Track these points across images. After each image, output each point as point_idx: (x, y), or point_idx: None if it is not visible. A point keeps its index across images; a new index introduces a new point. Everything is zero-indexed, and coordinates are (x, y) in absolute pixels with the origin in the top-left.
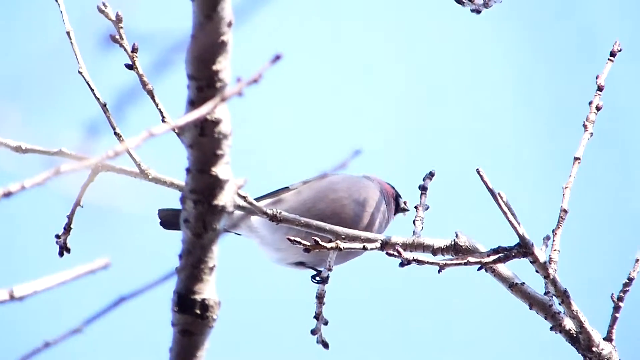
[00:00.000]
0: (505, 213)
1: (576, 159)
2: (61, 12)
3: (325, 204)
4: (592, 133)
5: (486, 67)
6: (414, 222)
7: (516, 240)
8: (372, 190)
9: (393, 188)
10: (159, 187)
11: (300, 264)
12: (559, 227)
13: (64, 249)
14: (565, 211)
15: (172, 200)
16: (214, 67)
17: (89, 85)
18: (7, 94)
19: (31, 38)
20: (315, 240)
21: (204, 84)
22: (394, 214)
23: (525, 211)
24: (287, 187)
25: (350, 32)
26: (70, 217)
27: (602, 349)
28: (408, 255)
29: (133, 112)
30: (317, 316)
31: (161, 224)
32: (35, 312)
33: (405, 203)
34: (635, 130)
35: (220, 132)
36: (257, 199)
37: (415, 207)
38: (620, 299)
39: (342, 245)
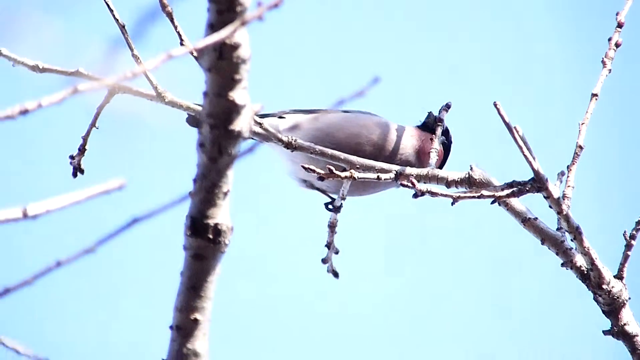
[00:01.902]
0: (520, 147)
1: (593, 95)
2: None
3: (344, 135)
4: (610, 70)
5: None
6: (428, 153)
7: (530, 175)
8: (403, 134)
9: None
10: (176, 110)
11: (314, 186)
12: (573, 163)
13: (78, 169)
14: (580, 147)
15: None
16: None
17: (108, 5)
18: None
19: None
20: (329, 168)
21: (224, 7)
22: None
23: (540, 146)
24: (325, 110)
25: None
26: (85, 138)
27: (613, 287)
28: (422, 186)
29: (152, 35)
30: (329, 245)
31: (187, 120)
32: (49, 231)
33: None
34: None
35: (239, 56)
36: (295, 112)
37: (431, 139)
38: (632, 237)
39: (356, 174)
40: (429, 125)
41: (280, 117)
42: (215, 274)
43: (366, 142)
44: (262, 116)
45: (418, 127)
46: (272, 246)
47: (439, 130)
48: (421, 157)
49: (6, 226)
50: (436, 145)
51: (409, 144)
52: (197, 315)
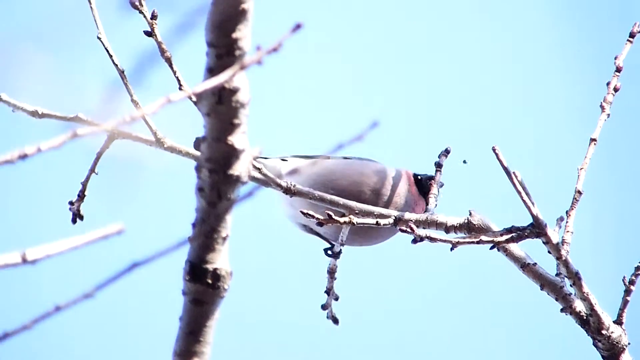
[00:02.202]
0: (519, 192)
1: (592, 140)
2: None
3: (347, 183)
4: (609, 114)
5: (506, 43)
6: (427, 199)
7: (530, 220)
8: (398, 185)
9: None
10: (175, 155)
11: (313, 231)
12: (572, 209)
13: (77, 215)
14: (579, 192)
15: (187, 169)
16: (234, 35)
17: (107, 51)
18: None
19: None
20: (328, 214)
21: (223, 52)
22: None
23: (539, 192)
24: (327, 156)
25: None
26: (84, 184)
27: (612, 332)
28: (421, 232)
29: (151, 79)
30: (328, 291)
31: (195, 146)
32: (48, 276)
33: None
34: None
35: (237, 100)
36: (295, 157)
37: (430, 184)
38: (632, 282)
39: (355, 219)
40: (424, 182)
41: (283, 160)
42: (215, 319)
43: (367, 190)
44: (264, 159)
45: (415, 175)
46: (272, 291)
47: (438, 176)
48: (414, 208)
49: (6, 271)
50: (435, 190)
51: (404, 192)
52: None
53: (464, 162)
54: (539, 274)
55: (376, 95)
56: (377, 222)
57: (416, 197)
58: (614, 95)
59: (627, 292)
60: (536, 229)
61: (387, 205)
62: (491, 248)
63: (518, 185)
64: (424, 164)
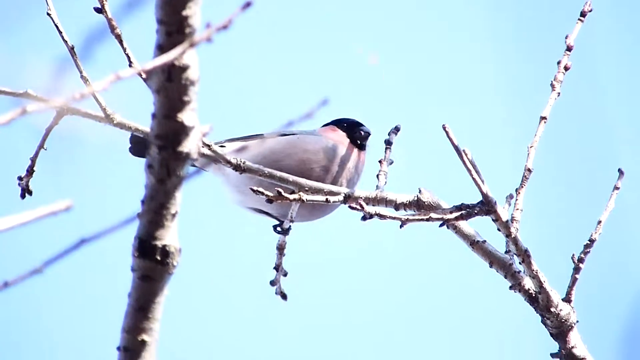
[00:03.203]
0: (469, 170)
1: (542, 118)
2: None
3: (294, 162)
4: (559, 93)
5: (456, 23)
6: (377, 176)
7: (479, 198)
8: (343, 154)
9: (362, 134)
10: (124, 132)
11: (263, 211)
12: (522, 187)
13: (26, 191)
14: (529, 170)
15: None
16: (184, 12)
17: (57, 27)
18: None
19: None
20: (278, 191)
21: (173, 29)
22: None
23: (489, 170)
24: (261, 135)
25: None
26: (33, 160)
27: (561, 310)
28: (370, 209)
29: (100, 56)
30: (277, 267)
31: (130, 150)
32: None
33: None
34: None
35: (187, 78)
36: (230, 140)
37: (380, 162)
38: (580, 260)
39: (305, 197)
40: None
41: (221, 146)
42: (163, 296)
43: (315, 166)
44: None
45: (340, 125)
46: (220, 268)
47: (388, 153)
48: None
49: None
50: (385, 168)
51: (353, 166)
52: (145, 337)
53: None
54: (488, 252)
55: (326, 72)
56: (326, 199)
57: (359, 155)
58: (564, 74)
59: (576, 270)
60: (486, 206)
61: (338, 176)
62: (440, 225)
63: (468, 163)
64: (374, 142)
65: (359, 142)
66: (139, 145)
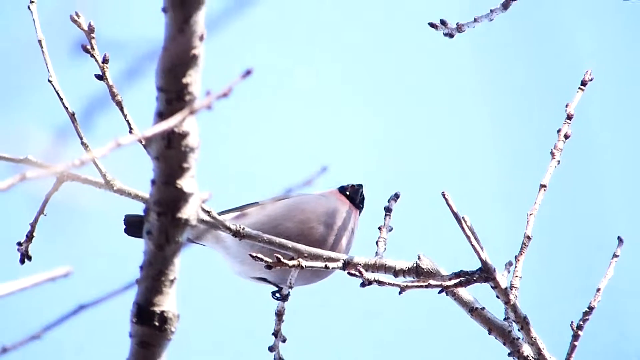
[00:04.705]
0: (468, 237)
1: (542, 186)
2: (33, 19)
3: (293, 224)
4: (559, 161)
5: (456, 91)
6: (377, 243)
7: (478, 264)
8: (341, 211)
9: (353, 188)
10: (124, 198)
11: (263, 279)
12: (521, 254)
13: (25, 256)
14: (528, 238)
15: (137, 211)
16: (184, 80)
17: (58, 94)
18: None
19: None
20: (277, 257)
21: (173, 97)
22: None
23: (488, 236)
24: (256, 203)
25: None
26: (33, 225)
27: None
28: (370, 275)
29: (101, 123)
30: (276, 333)
31: (126, 230)
32: None
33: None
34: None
35: (187, 145)
36: (225, 212)
37: (379, 229)
38: (579, 327)
39: (304, 263)
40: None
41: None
42: None
43: (315, 224)
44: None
45: (341, 191)
46: (219, 334)
47: (387, 220)
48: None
49: None
50: (384, 234)
51: (350, 220)
52: None
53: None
54: (487, 318)
55: (325, 139)
56: (326, 265)
57: (355, 214)
58: (564, 142)
59: (575, 337)
60: (485, 273)
61: (338, 235)
62: (440, 292)
63: (467, 230)
64: (374, 209)
65: (348, 194)
66: (133, 225)
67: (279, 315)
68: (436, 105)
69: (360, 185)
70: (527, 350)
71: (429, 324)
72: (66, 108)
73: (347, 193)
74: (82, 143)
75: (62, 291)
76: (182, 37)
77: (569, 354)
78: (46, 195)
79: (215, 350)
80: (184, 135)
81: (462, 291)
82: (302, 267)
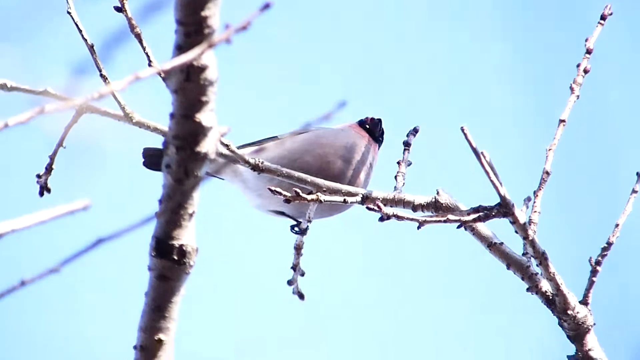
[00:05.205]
0: (487, 172)
1: (561, 121)
2: None
3: (312, 158)
4: (578, 96)
5: (475, 25)
6: (395, 177)
7: (497, 200)
8: (359, 145)
9: (372, 121)
10: (143, 131)
11: (281, 213)
12: (540, 189)
13: (44, 188)
14: (547, 173)
15: (155, 145)
16: (203, 13)
17: (77, 26)
18: None
19: None
20: (295, 191)
21: (192, 30)
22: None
23: (507, 171)
24: (275, 137)
25: None
26: (52, 158)
27: (578, 312)
28: (388, 210)
29: (120, 55)
30: (295, 267)
31: (144, 163)
32: (13, 251)
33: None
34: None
35: (206, 78)
36: (243, 147)
37: (398, 163)
38: (598, 263)
39: (322, 197)
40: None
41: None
42: (180, 295)
43: (333, 159)
44: None
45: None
46: (237, 268)
47: (406, 155)
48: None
49: None
50: (403, 169)
51: (369, 152)
52: (162, 336)
53: None
54: (506, 253)
55: (344, 73)
56: (344, 199)
57: (374, 148)
58: (583, 77)
59: (593, 272)
60: (503, 208)
61: (357, 169)
62: (458, 227)
63: (486, 165)
64: (393, 143)
65: (367, 127)
66: (152, 158)
67: (298, 249)
68: (455, 40)
69: (379, 119)
70: (545, 285)
71: (447, 259)
72: (85, 40)
73: (367, 126)
74: (101, 75)
75: (81, 224)
76: None
77: (587, 290)
78: (65, 128)
79: (234, 284)
80: (202, 69)
81: (481, 226)
82: (320, 201)
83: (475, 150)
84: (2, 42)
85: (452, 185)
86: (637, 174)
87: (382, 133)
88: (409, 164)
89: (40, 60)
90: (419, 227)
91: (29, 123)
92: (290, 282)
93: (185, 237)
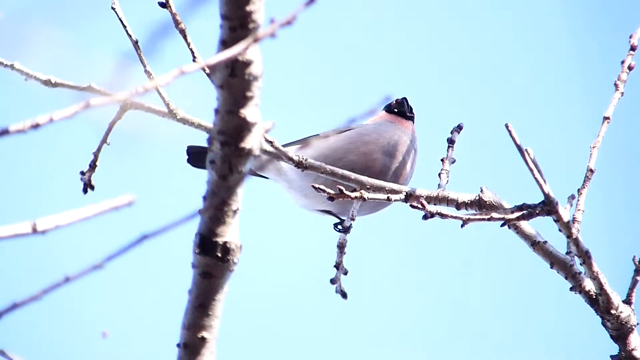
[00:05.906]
0: (531, 170)
1: (605, 118)
2: None
3: (356, 156)
4: (622, 93)
5: (518, 23)
6: (439, 175)
7: (541, 198)
8: (403, 140)
9: (397, 103)
10: (187, 127)
11: (326, 211)
12: (584, 187)
13: (88, 185)
14: (591, 171)
15: (199, 141)
16: (248, 8)
17: (121, 21)
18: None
19: None
20: (339, 189)
21: (237, 24)
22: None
23: (551, 169)
24: (317, 135)
25: None
26: (96, 154)
27: (621, 312)
28: (432, 208)
29: (164, 51)
30: (337, 265)
31: (188, 160)
32: (58, 247)
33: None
34: None
35: (250, 73)
36: (286, 145)
37: (442, 160)
38: None
39: (366, 195)
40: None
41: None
42: (224, 293)
43: (377, 156)
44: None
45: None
46: (281, 266)
47: (450, 152)
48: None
49: (16, 241)
50: (447, 166)
51: (409, 138)
52: (205, 334)
53: None
54: (549, 252)
55: (390, 70)
56: (388, 197)
57: (410, 127)
58: (628, 73)
59: (637, 271)
60: (547, 206)
61: (402, 163)
62: (502, 225)
63: (530, 162)
64: (437, 140)
65: (396, 110)
66: (196, 156)
67: (341, 247)
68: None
69: (403, 98)
70: (588, 284)
71: (490, 257)
72: (129, 35)
73: (395, 110)
74: (146, 71)
75: (125, 221)
76: None
77: (631, 289)
78: (109, 124)
79: (277, 282)
80: (247, 64)
81: (525, 224)
82: (364, 199)
83: (519, 148)
84: (50, 27)
85: (496, 183)
86: None
87: (411, 109)
88: (453, 162)
89: (85, 52)
90: (462, 225)
91: (73, 118)
92: (333, 281)
93: (229, 234)
